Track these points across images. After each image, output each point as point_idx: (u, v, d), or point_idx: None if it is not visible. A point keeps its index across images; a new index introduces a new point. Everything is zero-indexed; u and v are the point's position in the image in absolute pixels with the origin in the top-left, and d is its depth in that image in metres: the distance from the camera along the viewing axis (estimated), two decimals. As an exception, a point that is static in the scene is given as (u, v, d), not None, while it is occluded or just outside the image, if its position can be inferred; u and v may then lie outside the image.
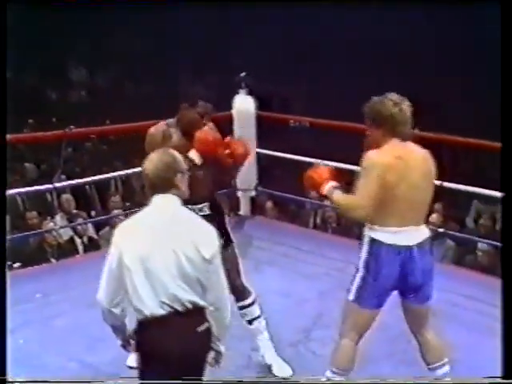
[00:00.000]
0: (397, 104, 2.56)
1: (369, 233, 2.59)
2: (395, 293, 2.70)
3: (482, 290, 3.89)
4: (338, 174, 2.66)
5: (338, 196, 2.56)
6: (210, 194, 2.94)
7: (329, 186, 2.59)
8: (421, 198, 2.57)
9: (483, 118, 6.95)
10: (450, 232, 5.08)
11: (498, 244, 4.89)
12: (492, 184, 4.96)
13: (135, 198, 6.61)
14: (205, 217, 2.79)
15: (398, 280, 2.59)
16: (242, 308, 3.10)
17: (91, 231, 5.81)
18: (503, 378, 1.80)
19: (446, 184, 4.37)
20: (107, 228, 5.66)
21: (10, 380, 2.01)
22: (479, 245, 5.06)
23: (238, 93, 5.00)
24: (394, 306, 3.55)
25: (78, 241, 5.55)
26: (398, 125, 2.55)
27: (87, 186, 6.63)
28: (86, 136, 7.04)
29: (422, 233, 2.61)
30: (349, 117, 4.88)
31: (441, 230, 4.93)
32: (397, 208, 2.52)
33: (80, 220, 5.83)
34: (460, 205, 6.40)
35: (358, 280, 2.62)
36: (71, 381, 2.48)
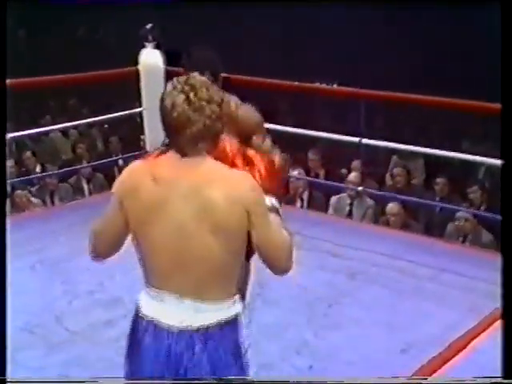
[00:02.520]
0: (169, 94, 1.67)
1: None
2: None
3: (402, 248, 4.02)
4: None
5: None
6: None
7: None
8: (197, 253, 1.67)
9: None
10: (369, 190, 5.21)
11: (412, 199, 5.07)
12: (408, 139, 5.14)
13: (28, 164, 6.33)
14: None
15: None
16: None
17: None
18: (503, 378, 1.87)
19: (364, 140, 4.47)
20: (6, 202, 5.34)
21: (10, 380, 1.92)
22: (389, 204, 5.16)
23: (144, 46, 4.84)
24: (313, 268, 3.66)
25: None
26: (167, 130, 1.70)
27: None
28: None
29: (206, 314, 1.71)
30: (264, 72, 4.86)
31: (359, 188, 5.04)
32: (154, 257, 1.71)
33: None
34: (380, 161, 6.57)
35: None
36: (71, 381, 2.41)
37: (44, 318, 3.18)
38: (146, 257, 1.73)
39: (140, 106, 4.83)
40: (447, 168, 5.81)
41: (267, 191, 1.80)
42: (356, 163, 5.56)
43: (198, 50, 2.46)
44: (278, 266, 1.75)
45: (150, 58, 4.83)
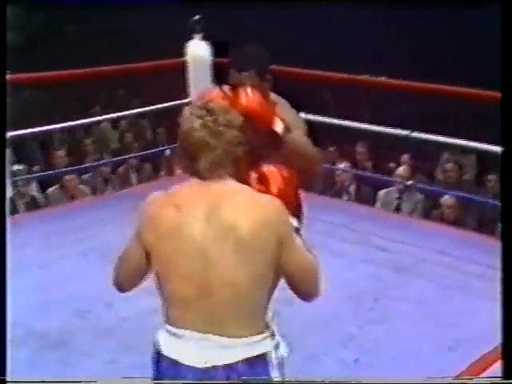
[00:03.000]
0: (186, 119, 1.63)
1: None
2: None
3: (451, 244, 3.99)
4: None
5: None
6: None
7: None
8: (221, 277, 1.57)
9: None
10: (418, 184, 5.18)
11: (464, 195, 5.02)
12: (461, 133, 5.08)
13: (81, 152, 6.51)
14: None
15: None
16: None
17: (34, 190, 5.70)
18: (503, 378, 1.87)
19: (414, 134, 4.44)
20: (56, 187, 5.51)
21: (10, 380, 2.01)
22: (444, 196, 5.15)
23: (191, 38, 4.91)
24: (359, 261, 3.67)
25: (18, 201, 5.41)
26: (185, 156, 1.65)
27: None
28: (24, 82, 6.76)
29: (233, 350, 1.61)
30: (313, 64, 4.87)
31: (409, 182, 5.02)
32: (175, 287, 1.62)
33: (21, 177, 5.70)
34: (429, 156, 6.51)
35: None
36: (71, 381, 2.51)
37: (95, 304, 3.28)
38: (168, 288, 1.64)
39: (187, 97, 4.89)
40: (499, 165, 5.71)
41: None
42: (405, 157, 5.53)
43: (244, 46, 2.29)
44: (307, 290, 1.69)
45: (198, 50, 4.89)
